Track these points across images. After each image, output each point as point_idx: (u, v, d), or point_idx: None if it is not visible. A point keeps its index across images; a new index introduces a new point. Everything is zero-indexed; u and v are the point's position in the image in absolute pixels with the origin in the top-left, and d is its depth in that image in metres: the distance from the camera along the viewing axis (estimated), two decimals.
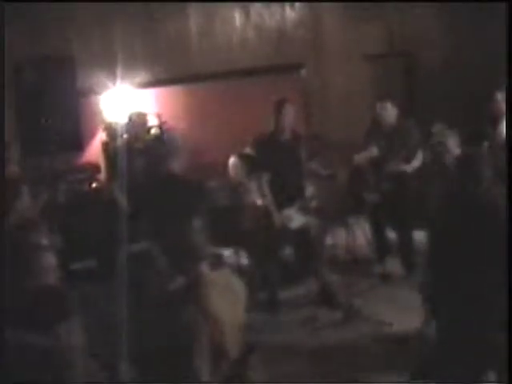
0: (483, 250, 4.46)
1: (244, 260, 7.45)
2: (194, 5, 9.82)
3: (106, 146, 8.91)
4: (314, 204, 7.43)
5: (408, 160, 7.24)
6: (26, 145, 7.95)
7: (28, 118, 8.21)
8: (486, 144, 7.05)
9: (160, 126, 9.06)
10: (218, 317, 3.74)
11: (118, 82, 8.88)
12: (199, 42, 9.87)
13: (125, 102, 9.15)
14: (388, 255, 7.52)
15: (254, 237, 7.17)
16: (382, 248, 7.61)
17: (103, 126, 9.07)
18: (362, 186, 7.67)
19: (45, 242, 3.94)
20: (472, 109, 7.48)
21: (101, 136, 9.15)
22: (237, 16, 10.07)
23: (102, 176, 8.87)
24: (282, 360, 5.61)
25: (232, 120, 9.50)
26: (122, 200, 6.49)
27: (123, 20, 9.30)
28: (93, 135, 9.23)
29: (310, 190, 7.43)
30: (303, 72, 10.42)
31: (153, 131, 8.89)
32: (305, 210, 7.18)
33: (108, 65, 8.78)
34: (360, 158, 7.43)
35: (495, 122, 7.30)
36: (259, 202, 7.27)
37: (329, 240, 8.07)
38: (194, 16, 9.89)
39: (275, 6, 10.20)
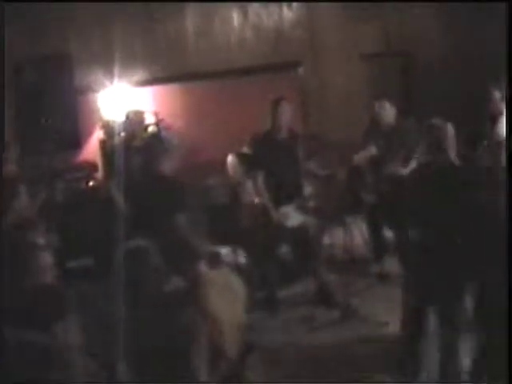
0: (482, 249, 4.46)
1: (241, 258, 7.44)
2: (192, 4, 9.82)
3: (103, 144, 8.90)
4: (311, 203, 7.42)
5: (406, 160, 7.21)
6: (25, 144, 7.93)
7: (26, 117, 8.21)
8: (484, 143, 7.04)
9: (157, 124, 9.04)
10: (217, 316, 3.72)
11: (116, 80, 8.87)
12: (197, 41, 9.87)
13: (122, 100, 9.13)
14: (386, 255, 7.50)
15: (252, 235, 7.16)
16: (379, 247, 7.60)
17: (101, 124, 9.06)
18: (360, 185, 7.66)
19: (42, 241, 3.94)
20: (470, 108, 7.45)
21: (98, 134, 9.14)
22: (235, 16, 10.06)
23: (100, 174, 8.86)
24: (279, 359, 5.61)
25: (229, 119, 9.49)
26: (119, 198, 6.48)
27: (122, 19, 9.29)
28: (90, 133, 9.21)
29: (307, 189, 7.42)
30: (301, 71, 10.42)
31: (150, 129, 8.88)
32: (302, 208, 7.18)
33: (106, 63, 8.77)
34: (359, 157, 7.42)
35: (493, 122, 7.28)
36: (256, 200, 7.27)
37: (326, 239, 8.07)
38: (192, 15, 9.88)
39: (273, 6, 10.20)
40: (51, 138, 8.00)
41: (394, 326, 5.72)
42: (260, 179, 7.05)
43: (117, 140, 7.92)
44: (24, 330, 3.45)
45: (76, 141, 8.61)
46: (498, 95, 7.22)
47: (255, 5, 10.11)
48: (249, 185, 7.51)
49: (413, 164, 7.25)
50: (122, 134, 8.12)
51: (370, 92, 9.79)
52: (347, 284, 7.02)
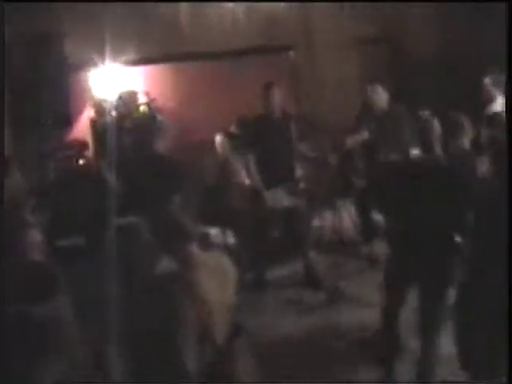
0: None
1: (231, 239, 7.47)
2: None
3: (94, 123, 8.88)
4: (302, 185, 7.43)
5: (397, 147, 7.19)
6: (16, 122, 7.92)
7: (18, 96, 8.17)
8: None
9: (148, 104, 9.03)
10: (206, 298, 3.71)
11: (108, 59, 8.83)
12: (190, 22, 9.81)
13: (114, 79, 9.10)
14: (375, 238, 7.52)
15: (242, 216, 7.19)
16: (368, 231, 7.61)
17: (92, 103, 9.03)
18: (350, 169, 7.68)
19: (31, 218, 3.94)
20: (463, 96, 7.45)
21: (89, 113, 9.11)
22: None
23: (90, 153, 8.84)
24: (266, 343, 5.62)
25: (221, 100, 9.47)
26: (110, 177, 6.47)
27: None
28: (81, 112, 9.18)
29: (298, 171, 7.42)
30: (293, 54, 10.41)
31: (141, 109, 8.86)
32: (293, 191, 7.18)
33: (98, 42, 8.71)
34: (351, 141, 7.42)
35: (484, 108, 7.28)
36: (247, 181, 7.28)
37: (316, 222, 8.10)
38: None
39: None
40: (42, 117, 7.97)
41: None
42: (252, 161, 7.04)
43: (108, 119, 7.90)
44: (17, 304, 3.45)
45: (67, 119, 8.58)
46: (488, 81, 7.21)
47: None
48: (239, 165, 7.52)
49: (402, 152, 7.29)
50: (114, 114, 8.10)
51: (363, 76, 9.78)
52: (336, 266, 7.06)
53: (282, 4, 10.13)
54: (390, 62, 10.49)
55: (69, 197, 7.24)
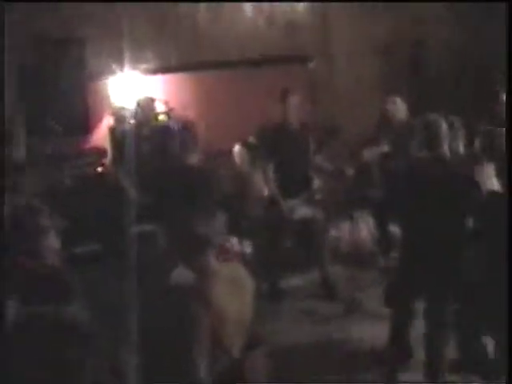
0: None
1: (248, 249, 7.45)
2: None
3: (112, 131, 8.90)
4: (318, 196, 7.41)
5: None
6: (34, 128, 7.95)
7: (36, 102, 8.22)
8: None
9: (167, 113, 9.04)
10: (222, 310, 3.68)
11: (127, 67, 8.86)
12: (209, 31, 9.84)
13: (133, 87, 9.13)
14: (392, 250, 7.47)
15: (259, 226, 7.17)
16: (385, 243, 7.58)
17: (111, 111, 9.05)
18: (367, 181, 7.64)
19: (46, 223, 3.94)
20: (478, 105, 7.41)
21: (108, 120, 9.14)
22: (247, 5, 10.04)
23: (108, 160, 8.87)
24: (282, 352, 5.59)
25: (240, 109, 9.46)
26: (128, 184, 6.48)
27: (134, 6, 9.26)
28: (100, 119, 9.21)
29: (316, 182, 7.41)
30: (312, 64, 10.39)
31: (160, 118, 8.88)
32: (310, 201, 7.16)
33: (117, 50, 8.75)
34: (369, 154, 7.39)
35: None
36: (264, 191, 7.26)
37: (333, 233, 8.07)
38: (205, 4, 9.86)
39: None
40: (61, 123, 8.01)
41: None
42: (269, 171, 7.03)
43: (127, 127, 7.92)
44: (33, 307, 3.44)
45: (85, 126, 8.62)
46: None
47: None
48: (257, 175, 7.51)
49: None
50: (132, 122, 8.12)
51: (382, 86, 9.76)
52: (352, 278, 7.02)
53: (301, 11, 10.13)
54: (408, 71, 10.46)
55: (86, 203, 7.27)
